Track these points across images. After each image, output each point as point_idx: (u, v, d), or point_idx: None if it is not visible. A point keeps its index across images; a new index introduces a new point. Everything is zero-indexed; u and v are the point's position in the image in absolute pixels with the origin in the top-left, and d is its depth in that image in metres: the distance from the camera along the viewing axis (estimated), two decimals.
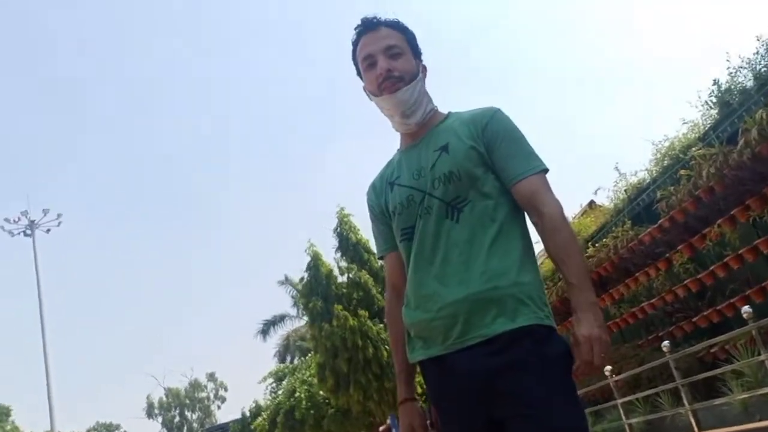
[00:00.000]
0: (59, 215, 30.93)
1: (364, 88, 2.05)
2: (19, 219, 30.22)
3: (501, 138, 1.88)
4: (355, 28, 2.03)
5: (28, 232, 30.19)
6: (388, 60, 1.94)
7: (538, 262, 1.96)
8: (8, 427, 53.07)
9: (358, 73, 2.06)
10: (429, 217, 1.85)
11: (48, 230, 30.77)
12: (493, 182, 1.86)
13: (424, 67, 2.04)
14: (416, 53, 2.03)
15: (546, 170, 1.87)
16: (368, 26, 2.00)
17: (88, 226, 62.24)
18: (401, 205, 1.93)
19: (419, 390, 2.49)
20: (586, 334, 1.65)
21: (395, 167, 2.04)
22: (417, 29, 2.06)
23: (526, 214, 1.88)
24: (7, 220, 30.00)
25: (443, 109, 2.07)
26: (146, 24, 66.58)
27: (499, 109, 1.96)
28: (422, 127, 1.99)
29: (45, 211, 30.80)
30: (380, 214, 2.06)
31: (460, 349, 1.75)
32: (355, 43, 2.03)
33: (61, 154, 68.13)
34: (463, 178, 1.84)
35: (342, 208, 16.31)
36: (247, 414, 27.73)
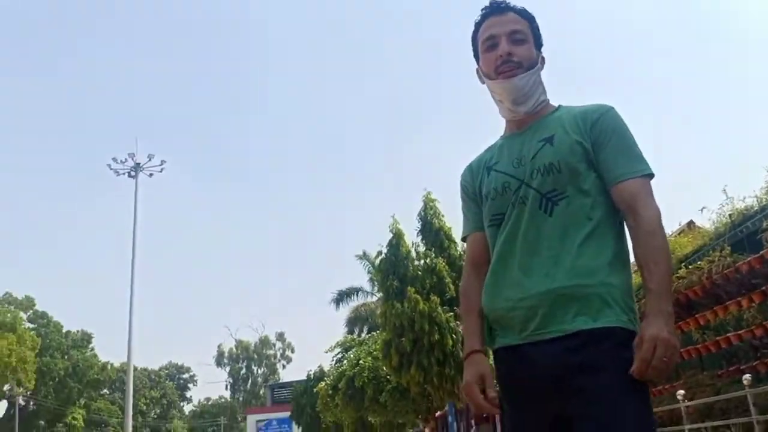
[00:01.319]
0: (163, 161, 32.51)
1: (478, 70, 2.04)
2: (125, 160, 31.97)
3: (610, 136, 1.84)
4: (482, 9, 2.02)
5: (133, 173, 31.90)
6: (511, 44, 1.93)
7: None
8: (87, 353, 56.68)
9: (475, 54, 2.05)
10: (523, 207, 1.83)
11: (151, 174, 32.48)
12: (594, 180, 1.83)
13: (543, 59, 2.02)
14: (538, 43, 2.01)
15: (652, 175, 1.82)
16: (496, 9, 1.99)
17: (191, 177, 64.89)
18: (495, 190, 1.92)
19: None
20: (653, 333, 1.60)
21: (496, 152, 2.02)
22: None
23: (623, 217, 1.83)
24: (114, 159, 31.80)
25: (554, 102, 2.04)
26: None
27: (612, 107, 1.92)
28: (530, 117, 1.97)
29: (150, 156, 32.49)
30: (473, 194, 2.06)
31: (537, 341, 1.73)
32: (478, 24, 2.02)
33: (179, 104, 71.08)
34: (564, 171, 1.81)
35: (429, 192, 16.20)
36: (311, 377, 28.39)
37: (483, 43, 1.99)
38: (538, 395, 1.73)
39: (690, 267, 9.42)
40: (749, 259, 8.00)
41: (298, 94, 66.83)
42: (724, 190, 9.86)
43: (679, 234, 12.01)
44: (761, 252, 7.75)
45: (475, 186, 2.04)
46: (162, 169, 32.43)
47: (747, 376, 6.62)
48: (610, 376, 1.63)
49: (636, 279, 1.89)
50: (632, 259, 1.83)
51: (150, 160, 32.38)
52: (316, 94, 66.12)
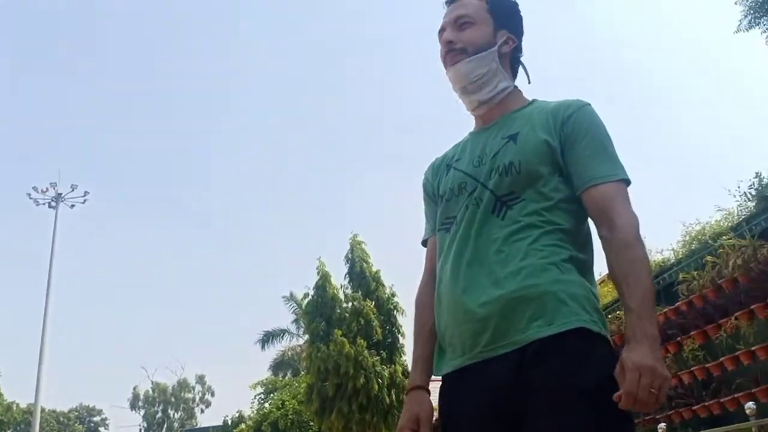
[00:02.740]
0: (86, 192, 31.41)
1: None
2: (47, 190, 30.75)
3: (582, 135, 1.64)
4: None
5: (53, 204, 30.68)
6: (455, 31, 1.79)
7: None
8: None
9: None
10: (476, 209, 1.65)
11: (72, 206, 31.26)
12: (558, 185, 1.63)
13: (511, 39, 1.82)
14: (502, 23, 1.82)
15: (628, 182, 1.62)
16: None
17: (112, 211, 63.01)
18: (451, 190, 1.75)
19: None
20: (636, 361, 1.37)
21: (460, 150, 1.86)
22: None
23: (596, 227, 1.63)
24: (35, 188, 30.54)
25: (530, 95, 1.86)
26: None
27: (588, 104, 1.72)
28: (496, 110, 1.80)
29: (73, 186, 31.34)
30: (432, 194, 1.89)
31: (488, 359, 1.51)
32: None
33: (102, 134, 69.36)
34: (523, 173, 1.62)
35: (355, 235, 16.20)
36: (229, 422, 27.49)
37: (438, 36, 1.85)
38: (483, 425, 1.51)
39: (609, 317, 9.65)
40: (666, 310, 8.27)
41: (227, 131, 66.35)
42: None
43: (599, 284, 12.34)
44: (676, 303, 8.04)
45: (435, 185, 1.87)
46: (85, 200, 31.32)
47: (662, 425, 6.81)
48: (568, 400, 1.41)
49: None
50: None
51: (73, 190, 31.29)
52: (247, 131, 65.85)
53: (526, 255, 1.55)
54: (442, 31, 1.84)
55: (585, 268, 1.62)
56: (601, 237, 1.60)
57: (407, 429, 1.63)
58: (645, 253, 1.56)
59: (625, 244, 1.52)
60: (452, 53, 1.79)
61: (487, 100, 1.80)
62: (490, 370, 1.50)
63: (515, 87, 1.85)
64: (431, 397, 1.72)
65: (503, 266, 1.56)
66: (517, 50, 1.86)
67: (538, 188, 1.62)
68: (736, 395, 6.90)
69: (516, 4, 1.88)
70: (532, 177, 1.63)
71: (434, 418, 1.67)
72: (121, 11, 66.43)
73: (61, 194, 30.83)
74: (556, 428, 1.41)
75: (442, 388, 1.65)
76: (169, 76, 68.51)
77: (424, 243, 1.92)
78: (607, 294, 11.12)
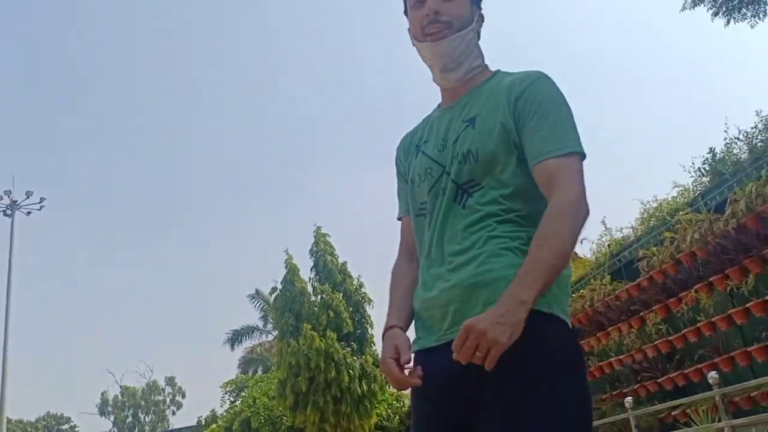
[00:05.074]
0: (42, 199, 30.69)
1: (409, 30, 1.81)
2: (1, 198, 29.98)
3: (535, 111, 1.59)
4: None
5: (8, 212, 29.93)
6: (440, 1, 1.70)
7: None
8: None
9: (405, 11, 1.82)
10: (442, 197, 1.66)
11: (29, 213, 30.51)
12: (515, 168, 1.61)
13: (481, 16, 1.79)
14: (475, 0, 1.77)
15: (581, 154, 1.57)
16: None
17: (74, 216, 61.73)
18: (419, 176, 1.74)
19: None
20: (472, 321, 1.37)
21: (428, 129, 1.82)
22: None
23: None
24: None
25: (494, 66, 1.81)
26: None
27: (543, 75, 1.67)
28: (464, 85, 1.76)
29: (28, 194, 30.56)
30: (404, 174, 1.87)
31: (449, 342, 1.48)
32: None
33: (55, 141, 67.79)
34: (480, 160, 1.61)
35: (319, 227, 16.18)
36: (203, 422, 27.27)
37: (412, 5, 1.75)
38: (440, 404, 1.55)
39: (573, 296, 9.82)
40: (627, 286, 8.44)
41: (188, 128, 65.39)
42: (603, 221, 10.40)
43: None
44: (638, 280, 8.20)
45: (406, 165, 1.86)
46: (41, 207, 30.62)
47: (629, 399, 6.93)
48: (520, 383, 1.42)
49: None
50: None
51: (28, 197, 30.56)
52: (207, 129, 64.97)
53: (485, 243, 1.55)
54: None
55: None
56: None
57: (389, 358, 1.62)
58: (572, 229, 1.49)
59: (554, 216, 1.49)
60: (437, 25, 1.70)
61: (462, 77, 1.75)
62: (448, 354, 1.47)
63: (485, 64, 1.81)
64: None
65: (462, 254, 1.58)
66: (481, 27, 1.81)
67: (496, 175, 1.61)
68: (699, 366, 7.08)
69: None
70: (490, 164, 1.61)
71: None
72: (67, 11, 64.91)
73: (16, 201, 30.09)
74: (511, 414, 1.42)
75: (414, 364, 1.65)
76: (123, 73, 67.20)
77: (399, 219, 1.93)
78: (572, 272, 11.32)
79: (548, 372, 1.44)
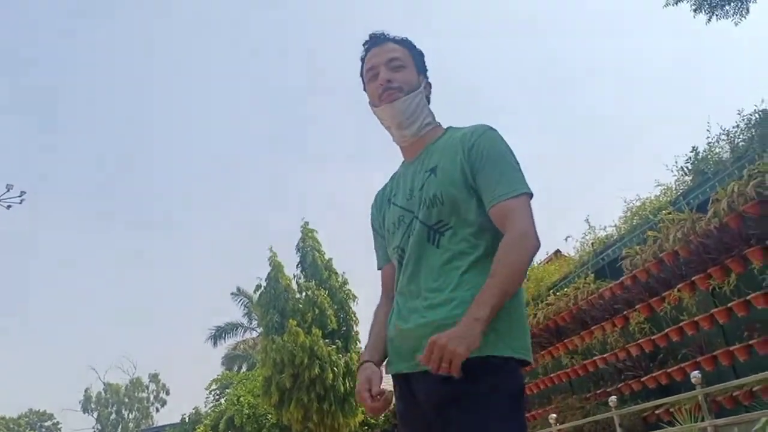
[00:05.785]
0: (23, 193, 30.33)
1: (369, 102, 2.09)
2: None
3: (485, 160, 1.85)
4: (364, 44, 2.09)
5: None
6: (390, 71, 2.00)
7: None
8: None
9: (365, 88, 2.11)
10: (415, 240, 1.89)
11: (9, 206, 30.14)
12: (477, 209, 1.84)
13: (429, 83, 2.09)
14: (421, 69, 2.08)
15: (528, 194, 1.82)
16: (375, 41, 2.07)
17: (52, 210, 61.04)
18: (394, 224, 1.99)
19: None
20: (436, 337, 1.60)
21: (395, 183, 2.09)
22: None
23: None
24: None
25: (446, 124, 2.09)
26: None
27: (489, 128, 1.93)
28: (419, 143, 2.03)
29: (9, 186, 30.16)
30: (380, 228, 2.13)
31: (422, 372, 1.74)
32: (362, 58, 2.09)
33: (33, 133, 66.94)
34: (446, 203, 1.85)
35: (306, 223, 16.11)
36: (187, 420, 27.09)
37: (366, 75, 2.06)
38: (420, 426, 1.81)
39: (558, 294, 9.85)
40: (611, 285, 8.47)
41: (178, 122, 64.90)
42: (587, 220, 10.45)
43: (547, 262, 12.56)
44: (621, 278, 8.23)
45: (380, 219, 2.12)
46: (22, 201, 30.23)
47: (613, 398, 6.96)
48: (472, 410, 1.67)
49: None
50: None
51: (9, 190, 30.21)
52: (198, 124, 64.51)
53: (457, 286, 1.78)
54: (372, 69, 2.03)
55: None
56: None
57: (363, 389, 1.85)
58: (522, 259, 1.74)
59: (506, 247, 1.72)
60: (390, 91, 1.98)
61: (416, 133, 2.02)
62: (423, 382, 1.76)
63: (437, 122, 2.08)
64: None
65: (438, 294, 1.80)
66: (430, 93, 2.11)
67: (461, 215, 1.84)
68: (682, 365, 7.13)
69: (424, 54, 2.13)
70: (454, 205, 1.84)
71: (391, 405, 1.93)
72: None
73: None
74: (473, 420, 1.66)
75: (393, 389, 1.92)
76: (97, 66, 66.51)
77: (380, 269, 2.17)
78: (554, 272, 11.35)
79: (487, 409, 1.68)
